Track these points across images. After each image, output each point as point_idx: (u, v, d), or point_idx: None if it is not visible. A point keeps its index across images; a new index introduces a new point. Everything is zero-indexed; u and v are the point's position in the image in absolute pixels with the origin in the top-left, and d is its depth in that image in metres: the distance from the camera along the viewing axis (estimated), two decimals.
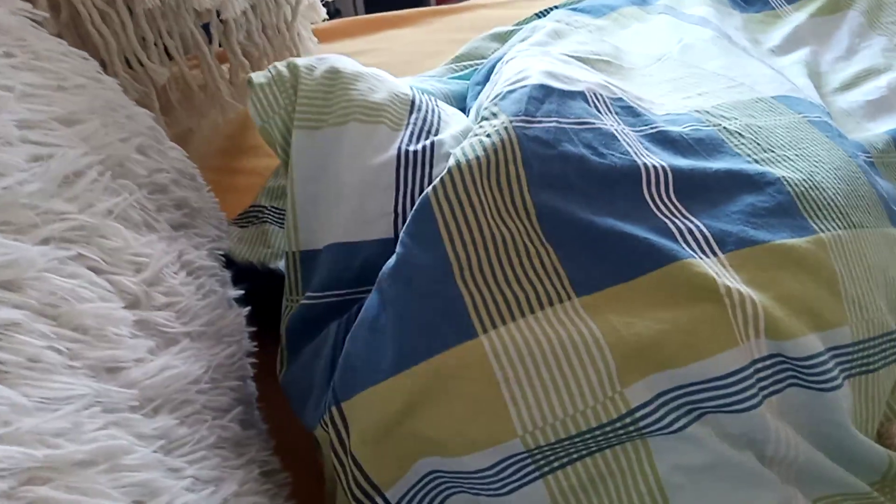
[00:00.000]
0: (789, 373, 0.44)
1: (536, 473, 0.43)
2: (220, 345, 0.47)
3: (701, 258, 0.46)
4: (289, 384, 0.51)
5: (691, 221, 0.49)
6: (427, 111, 0.59)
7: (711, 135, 0.56)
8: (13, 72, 0.46)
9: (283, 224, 0.78)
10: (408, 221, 0.48)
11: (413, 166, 0.53)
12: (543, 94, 0.55)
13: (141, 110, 0.59)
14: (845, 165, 0.55)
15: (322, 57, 0.61)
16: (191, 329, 0.44)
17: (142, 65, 0.76)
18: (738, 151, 0.55)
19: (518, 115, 0.52)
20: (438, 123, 0.59)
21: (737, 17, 0.99)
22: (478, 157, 0.49)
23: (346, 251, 0.52)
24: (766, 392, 0.44)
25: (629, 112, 0.59)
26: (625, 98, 0.60)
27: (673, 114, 0.60)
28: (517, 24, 1.00)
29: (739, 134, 0.57)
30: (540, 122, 0.52)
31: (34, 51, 0.50)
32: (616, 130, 0.54)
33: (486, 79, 0.73)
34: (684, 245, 0.47)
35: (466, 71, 0.91)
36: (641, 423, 0.42)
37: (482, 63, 0.92)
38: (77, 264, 0.39)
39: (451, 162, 0.49)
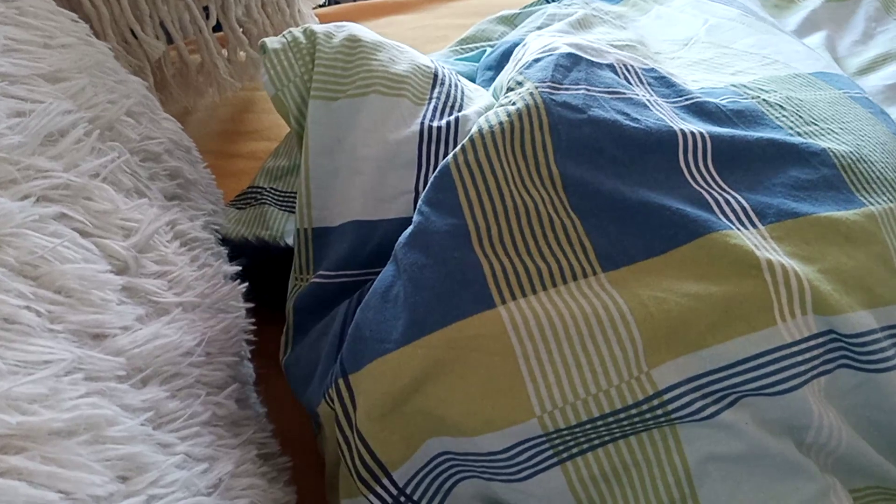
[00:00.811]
0: (841, 352, 0.41)
1: (554, 459, 0.40)
2: (216, 318, 0.43)
3: (739, 230, 0.43)
4: (293, 364, 0.48)
5: (729, 193, 0.45)
6: (450, 85, 0.56)
7: (751, 107, 0.53)
8: None
9: (282, 206, 0.75)
10: (426, 189, 0.45)
11: (437, 143, 0.51)
12: (571, 62, 0.53)
13: (134, 78, 0.56)
14: (891, 141, 0.52)
15: (341, 24, 0.58)
16: (183, 300, 0.41)
17: (136, 37, 0.73)
18: (780, 124, 0.51)
19: (545, 81, 0.50)
20: (462, 99, 0.56)
21: None
22: (501, 124, 0.46)
23: (362, 230, 0.49)
24: (814, 373, 0.40)
25: (662, 83, 0.55)
26: (658, 69, 0.57)
27: (708, 87, 0.57)
28: (525, 8, 0.98)
29: (780, 106, 0.53)
30: (568, 88, 0.50)
31: (19, 6, 0.47)
32: (648, 101, 0.51)
33: (499, 63, 0.71)
34: (721, 216, 0.44)
35: (473, 53, 0.88)
36: (670, 408, 0.39)
37: (488, 45, 0.90)
38: (60, 224, 0.36)
39: (474, 130, 0.47)
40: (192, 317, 0.41)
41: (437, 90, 0.55)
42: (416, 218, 0.44)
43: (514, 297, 0.41)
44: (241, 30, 0.81)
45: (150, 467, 0.31)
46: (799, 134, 0.50)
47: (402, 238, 0.44)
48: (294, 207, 0.74)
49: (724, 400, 0.39)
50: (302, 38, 0.55)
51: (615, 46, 0.62)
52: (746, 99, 0.54)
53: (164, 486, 0.31)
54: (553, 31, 0.70)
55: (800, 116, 0.52)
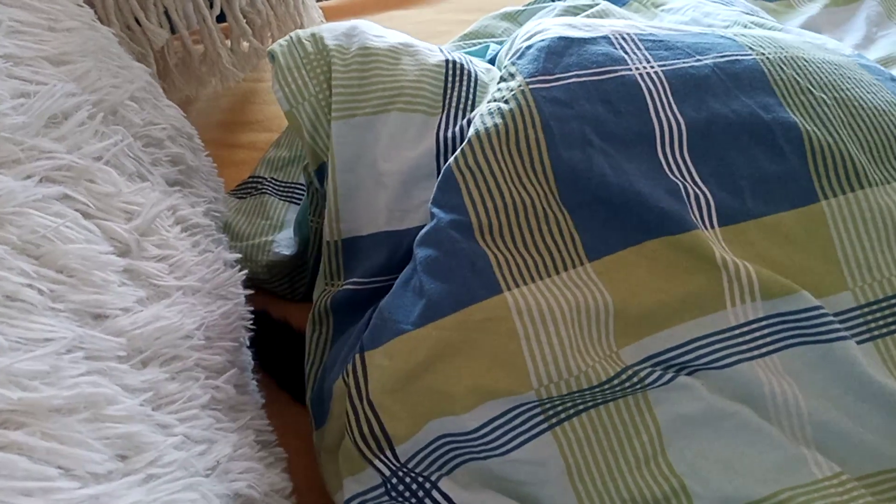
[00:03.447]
0: (792, 332, 0.45)
1: (545, 425, 0.44)
2: (216, 303, 0.44)
3: (704, 229, 0.47)
4: (330, 361, 0.51)
5: (700, 188, 0.49)
6: (462, 81, 0.57)
7: (752, 67, 0.53)
8: (0, 7, 0.43)
9: (282, 196, 0.76)
10: (434, 192, 0.49)
11: (452, 152, 0.53)
12: (563, 47, 0.53)
13: (138, 64, 0.56)
14: (890, 109, 0.53)
15: (350, 28, 0.58)
16: (184, 284, 0.41)
17: (139, 25, 0.73)
18: (775, 89, 0.52)
19: (535, 76, 0.51)
20: (475, 92, 0.57)
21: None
22: (496, 126, 0.49)
23: (391, 240, 0.53)
24: (762, 350, 0.45)
25: (661, 45, 0.55)
26: (657, 33, 0.57)
27: (713, 41, 0.57)
28: (529, 5, 0.98)
29: (781, 67, 0.54)
30: (558, 79, 0.51)
31: None
32: (641, 75, 0.52)
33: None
34: (692, 211, 0.48)
35: (477, 48, 0.88)
36: (635, 379, 0.44)
37: (491, 41, 0.90)
38: (63, 205, 0.36)
39: (471, 132, 0.50)
40: (192, 301, 0.41)
41: (448, 95, 0.56)
42: (429, 219, 0.48)
43: (517, 285, 0.45)
44: (244, 20, 0.81)
45: (149, 447, 0.31)
46: (788, 105, 0.52)
47: (417, 237, 0.48)
48: (294, 197, 0.75)
49: (681, 372, 0.45)
50: (310, 48, 0.56)
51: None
52: (749, 56, 0.54)
53: (162, 466, 0.31)
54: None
55: (797, 81, 0.53)
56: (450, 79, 0.57)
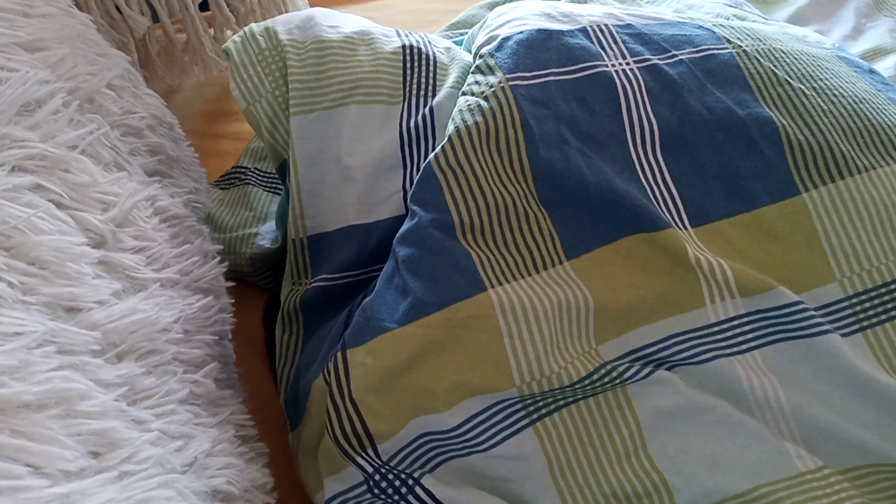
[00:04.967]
0: (774, 328, 0.45)
1: (526, 421, 0.44)
2: (195, 295, 0.43)
3: (678, 229, 0.48)
4: (304, 362, 0.50)
5: (669, 191, 0.49)
6: (421, 66, 0.56)
7: (727, 61, 0.53)
8: None
9: (266, 187, 0.75)
10: (414, 189, 0.49)
11: (416, 141, 0.53)
12: (541, 40, 0.53)
13: (117, 52, 0.55)
14: (870, 98, 0.53)
15: (305, 20, 0.57)
16: (162, 276, 0.40)
17: (120, 12, 0.72)
18: (751, 83, 0.52)
19: (514, 72, 0.51)
20: (435, 78, 0.56)
21: None
22: (477, 124, 0.49)
23: (360, 234, 0.52)
24: (743, 347, 0.45)
25: (638, 39, 0.55)
26: (634, 24, 0.57)
27: (690, 32, 0.56)
28: None
29: (758, 59, 0.54)
30: (535, 77, 0.51)
31: None
32: (617, 73, 0.52)
33: None
34: (664, 212, 0.48)
35: (464, 37, 0.87)
36: (615, 374, 0.44)
37: None
38: (35, 195, 0.35)
39: (451, 128, 0.49)
40: (170, 293, 0.40)
41: (408, 81, 0.55)
42: (408, 217, 0.48)
43: (500, 283, 0.45)
44: (228, 8, 0.80)
45: (123, 443, 0.30)
46: (764, 99, 0.52)
47: (398, 235, 0.47)
48: (278, 188, 0.74)
49: (659, 367, 0.45)
50: (264, 44, 0.55)
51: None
52: (725, 49, 0.54)
53: (137, 463, 0.30)
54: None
55: (774, 73, 0.53)
56: (408, 65, 0.56)
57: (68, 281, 0.33)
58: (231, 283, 0.49)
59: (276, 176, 0.75)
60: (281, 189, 0.73)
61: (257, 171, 0.76)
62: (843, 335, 0.46)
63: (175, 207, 0.48)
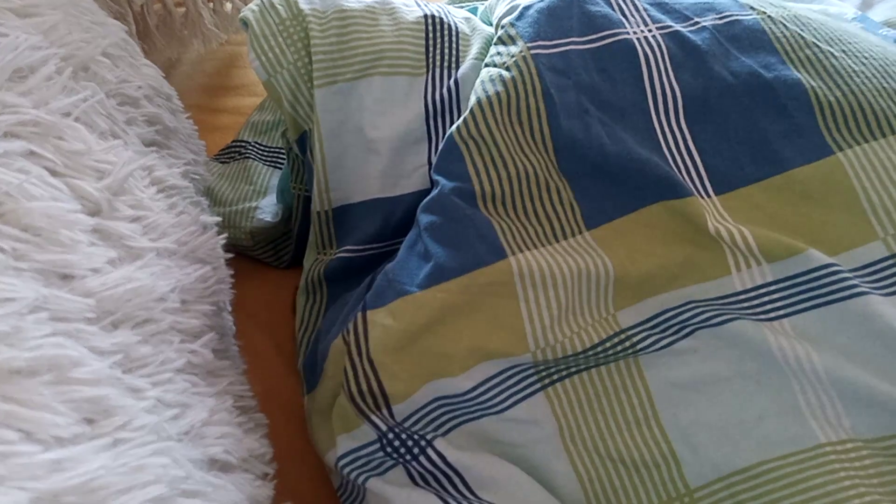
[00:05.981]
0: (804, 295, 0.44)
1: (538, 385, 0.44)
2: (192, 266, 0.42)
3: (700, 197, 0.47)
4: (324, 328, 0.50)
5: (692, 159, 0.48)
6: (444, 37, 0.56)
7: (752, 27, 0.52)
8: None
9: (266, 161, 0.74)
10: (437, 160, 0.49)
11: (442, 114, 0.53)
12: (562, 8, 0.52)
13: (113, 21, 0.54)
14: None
15: None
16: (158, 245, 0.40)
17: None
18: (777, 47, 0.51)
19: (535, 40, 0.51)
20: (458, 49, 0.56)
21: None
22: (498, 94, 0.49)
23: (385, 207, 0.53)
24: (771, 315, 0.44)
25: (660, 8, 0.54)
26: None
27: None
28: None
29: (784, 24, 0.53)
30: (556, 45, 0.51)
31: None
32: (639, 40, 0.51)
33: None
34: (686, 179, 0.47)
35: (469, 5, 0.86)
36: (628, 343, 0.44)
37: (479, 3, 0.87)
38: (28, 161, 0.34)
39: (473, 100, 0.50)
40: (167, 262, 0.40)
41: (431, 53, 0.55)
42: (433, 186, 0.49)
43: (520, 250, 0.46)
44: None
45: (118, 411, 0.30)
46: (792, 61, 0.50)
47: (421, 205, 0.48)
48: (278, 162, 0.73)
49: (678, 333, 0.44)
50: (284, 13, 0.54)
51: None
52: (750, 15, 0.53)
53: (131, 430, 0.30)
54: None
55: (801, 36, 0.52)
56: (430, 35, 0.55)
57: (62, 248, 0.33)
58: (230, 255, 0.48)
59: (277, 150, 0.74)
60: (282, 163, 0.73)
61: (257, 145, 0.76)
62: (889, 294, 0.43)
63: (173, 178, 0.47)
